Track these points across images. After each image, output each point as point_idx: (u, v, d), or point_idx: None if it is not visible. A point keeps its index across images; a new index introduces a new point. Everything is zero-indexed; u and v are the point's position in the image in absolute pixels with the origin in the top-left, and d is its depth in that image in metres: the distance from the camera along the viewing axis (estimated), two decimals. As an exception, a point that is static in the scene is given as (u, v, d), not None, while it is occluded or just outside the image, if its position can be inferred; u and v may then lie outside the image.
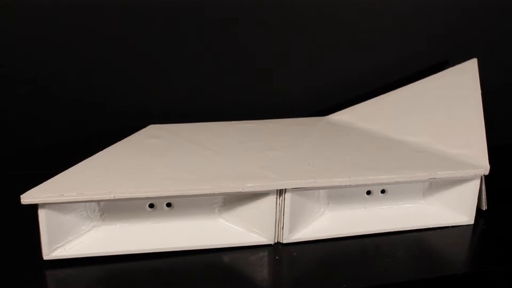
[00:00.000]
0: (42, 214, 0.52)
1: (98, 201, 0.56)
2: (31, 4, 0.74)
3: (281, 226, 0.58)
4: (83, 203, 0.55)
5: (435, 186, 0.65)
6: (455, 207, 0.65)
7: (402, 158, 0.65)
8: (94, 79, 0.80)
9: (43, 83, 0.78)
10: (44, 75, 0.78)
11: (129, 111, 0.82)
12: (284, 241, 0.59)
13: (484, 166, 0.63)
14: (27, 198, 0.52)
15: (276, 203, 0.57)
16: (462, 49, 0.93)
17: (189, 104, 0.85)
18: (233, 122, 0.78)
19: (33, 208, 0.53)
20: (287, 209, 0.58)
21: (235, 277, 0.53)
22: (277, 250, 0.58)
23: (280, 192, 0.57)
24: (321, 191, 0.61)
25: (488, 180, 0.65)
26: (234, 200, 0.59)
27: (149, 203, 0.58)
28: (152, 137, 0.70)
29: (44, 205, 0.52)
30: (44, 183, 0.55)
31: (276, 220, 0.58)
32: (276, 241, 0.59)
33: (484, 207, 0.66)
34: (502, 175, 0.78)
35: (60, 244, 0.54)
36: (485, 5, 0.92)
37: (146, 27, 0.79)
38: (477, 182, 0.63)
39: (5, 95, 0.77)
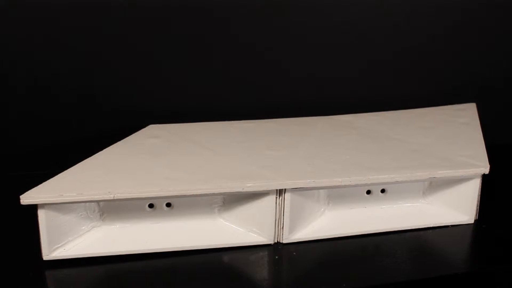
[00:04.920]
0: (41, 214, 0.52)
1: (98, 201, 0.56)
2: (31, 4, 0.74)
3: (281, 226, 0.58)
4: (83, 204, 0.55)
5: (435, 185, 0.65)
6: (455, 206, 0.65)
7: (401, 157, 0.65)
8: (94, 79, 0.80)
9: (43, 83, 0.78)
10: (44, 75, 0.78)
11: (129, 111, 0.82)
12: (284, 241, 0.59)
13: (484, 165, 0.63)
14: (26, 198, 0.52)
15: (276, 203, 0.57)
16: (462, 48, 0.93)
17: (189, 104, 0.85)
18: (233, 122, 0.78)
19: (33, 208, 0.53)
20: (287, 209, 0.58)
21: (235, 277, 0.53)
22: (277, 250, 0.58)
23: (280, 192, 0.57)
24: (321, 191, 0.61)
25: (488, 180, 0.65)
26: (234, 200, 0.59)
27: (149, 203, 0.58)
28: (152, 137, 0.70)
29: (43, 205, 0.52)
30: (44, 183, 0.55)
31: (276, 220, 0.58)
32: (276, 241, 0.59)
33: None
34: (502, 174, 0.78)
35: (60, 245, 0.54)
36: (485, 5, 0.92)
37: (146, 27, 0.79)
38: (477, 181, 0.63)
39: (5, 95, 0.77)
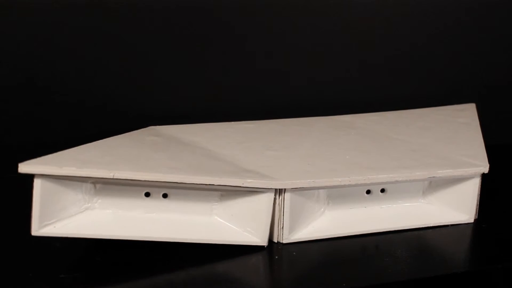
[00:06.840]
0: (37, 185, 0.51)
1: (96, 180, 0.55)
2: (31, 4, 0.74)
3: (281, 226, 0.58)
4: (79, 184, 0.54)
5: (434, 185, 0.65)
6: (455, 206, 0.65)
7: (401, 157, 0.65)
8: (94, 80, 0.80)
9: (43, 83, 0.78)
10: (44, 75, 0.78)
11: (129, 112, 0.82)
12: (284, 241, 0.59)
13: (483, 164, 0.63)
14: (25, 167, 0.51)
15: (276, 203, 0.57)
16: (462, 48, 0.93)
17: (189, 105, 0.85)
18: (233, 122, 0.78)
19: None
20: (286, 209, 0.58)
21: (235, 277, 0.53)
22: (277, 250, 0.58)
23: (280, 192, 0.57)
24: (321, 190, 0.61)
25: (488, 180, 0.65)
26: (231, 198, 0.59)
27: (146, 191, 0.57)
28: (152, 137, 0.70)
29: (41, 176, 0.51)
30: (44, 156, 0.54)
31: (275, 220, 0.58)
32: (275, 241, 0.59)
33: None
34: (502, 174, 0.78)
35: (50, 222, 0.53)
36: (485, 5, 0.92)
37: (145, 27, 0.79)
38: (477, 180, 0.63)
39: (5, 95, 0.77)
